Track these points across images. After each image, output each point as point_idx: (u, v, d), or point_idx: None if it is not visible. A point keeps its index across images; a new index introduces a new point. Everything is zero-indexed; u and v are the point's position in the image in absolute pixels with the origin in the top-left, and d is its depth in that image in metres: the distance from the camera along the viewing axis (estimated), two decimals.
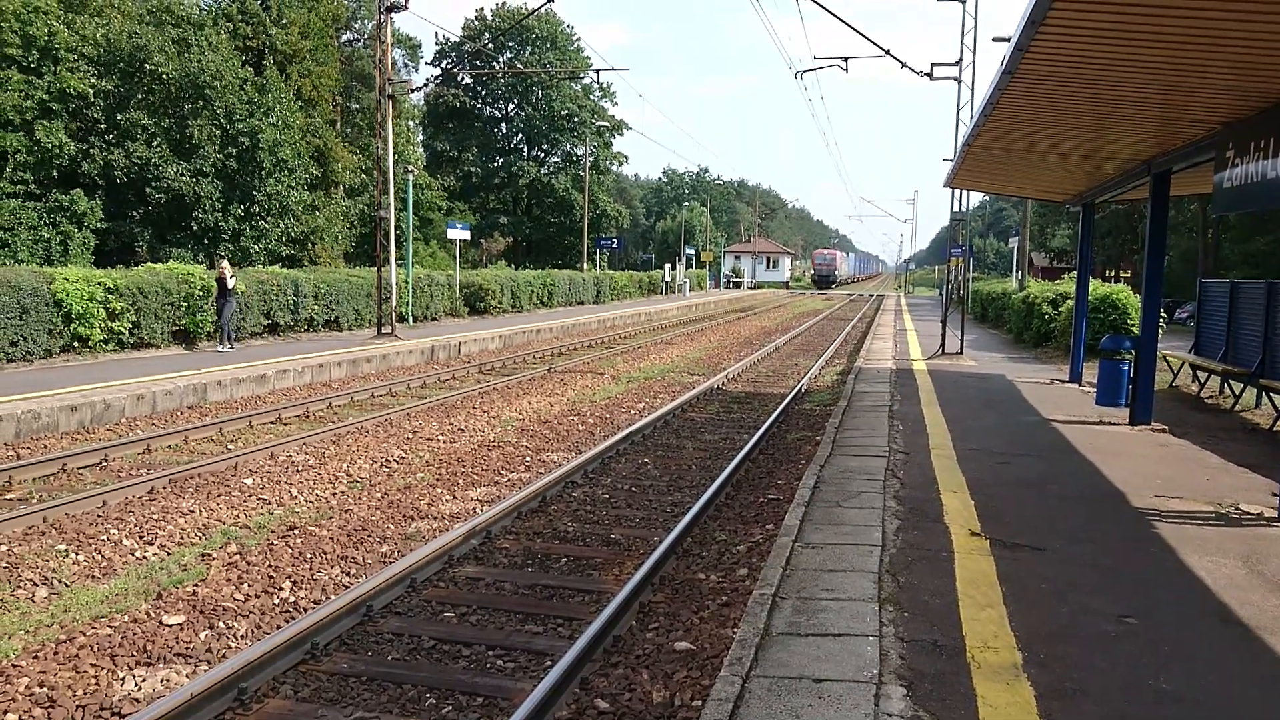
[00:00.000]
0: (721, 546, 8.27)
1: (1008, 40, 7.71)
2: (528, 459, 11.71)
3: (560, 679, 5.25)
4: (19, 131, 33.62)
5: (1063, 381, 17.52)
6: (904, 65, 21.88)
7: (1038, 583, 6.09)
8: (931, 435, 11.51)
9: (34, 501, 9.12)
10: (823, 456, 10.18)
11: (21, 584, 6.93)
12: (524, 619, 6.53)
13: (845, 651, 4.90)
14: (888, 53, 21.45)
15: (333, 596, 6.75)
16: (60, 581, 7.03)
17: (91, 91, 35.31)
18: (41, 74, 34.49)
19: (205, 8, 42.58)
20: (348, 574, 7.39)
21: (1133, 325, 20.04)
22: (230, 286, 20.01)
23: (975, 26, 21.55)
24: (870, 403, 14.33)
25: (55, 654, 5.79)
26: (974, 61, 22.97)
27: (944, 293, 29.80)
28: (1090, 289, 19.24)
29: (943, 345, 23.27)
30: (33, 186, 34.37)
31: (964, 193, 26.31)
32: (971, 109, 20.48)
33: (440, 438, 12.69)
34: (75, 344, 17.66)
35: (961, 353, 22.81)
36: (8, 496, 9.34)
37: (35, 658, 5.73)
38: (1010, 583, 6.04)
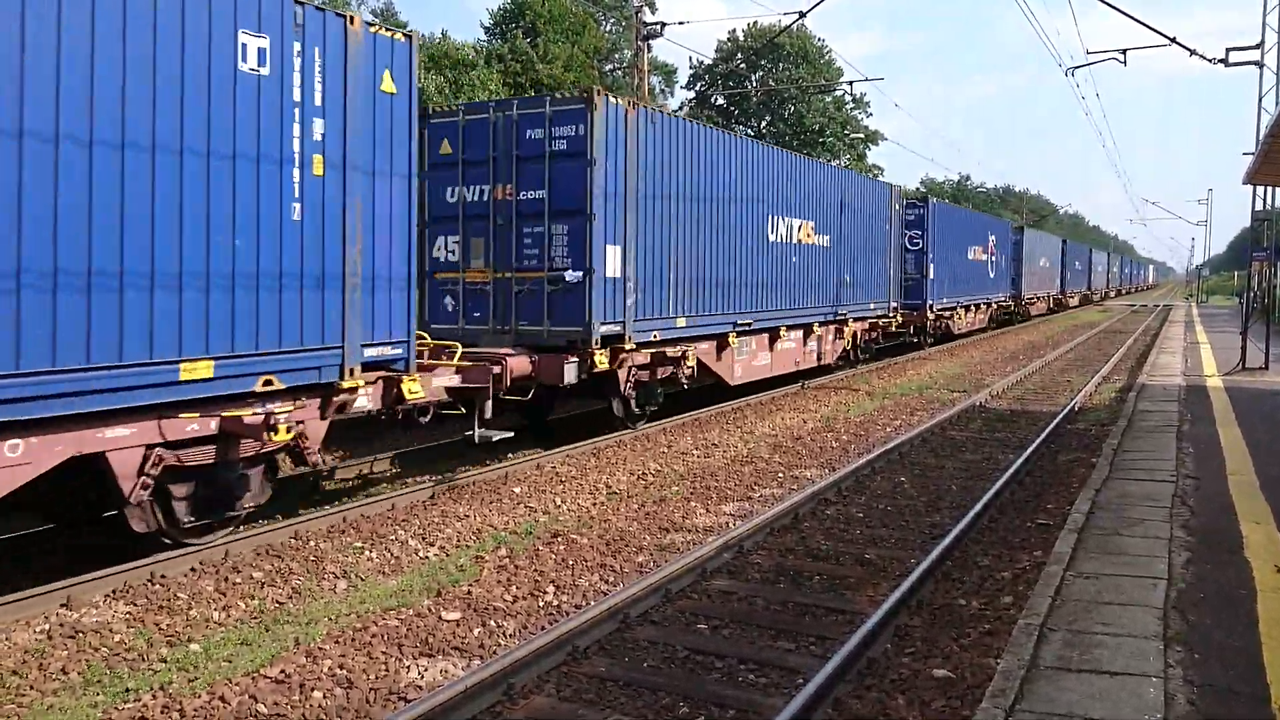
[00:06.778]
0: (984, 572, 7.87)
1: None
2: (780, 475, 11.68)
3: (813, 697, 5.21)
4: None
5: None
6: (1193, 53, 19.96)
7: None
8: (1229, 459, 10.37)
9: (337, 503, 10.19)
10: (1098, 480, 9.44)
11: (325, 576, 7.75)
12: (776, 635, 6.52)
13: (1124, 691, 4.52)
14: (1174, 40, 19.68)
15: (592, 602, 7.05)
16: (357, 575, 7.80)
17: None
18: None
19: (477, 49, 46.07)
20: (606, 581, 7.69)
21: None
22: None
23: None
24: (1155, 422, 13.12)
25: (353, 640, 6.43)
26: (1278, 42, 20.54)
27: (1244, 301, 26.69)
28: None
29: (1243, 359, 20.84)
30: None
31: (1270, 189, 23.53)
32: (1276, 95, 18.33)
33: (694, 452, 12.93)
34: None
35: (1267, 368, 20.34)
36: (314, 497, 10.49)
37: (336, 643, 6.40)
38: None
